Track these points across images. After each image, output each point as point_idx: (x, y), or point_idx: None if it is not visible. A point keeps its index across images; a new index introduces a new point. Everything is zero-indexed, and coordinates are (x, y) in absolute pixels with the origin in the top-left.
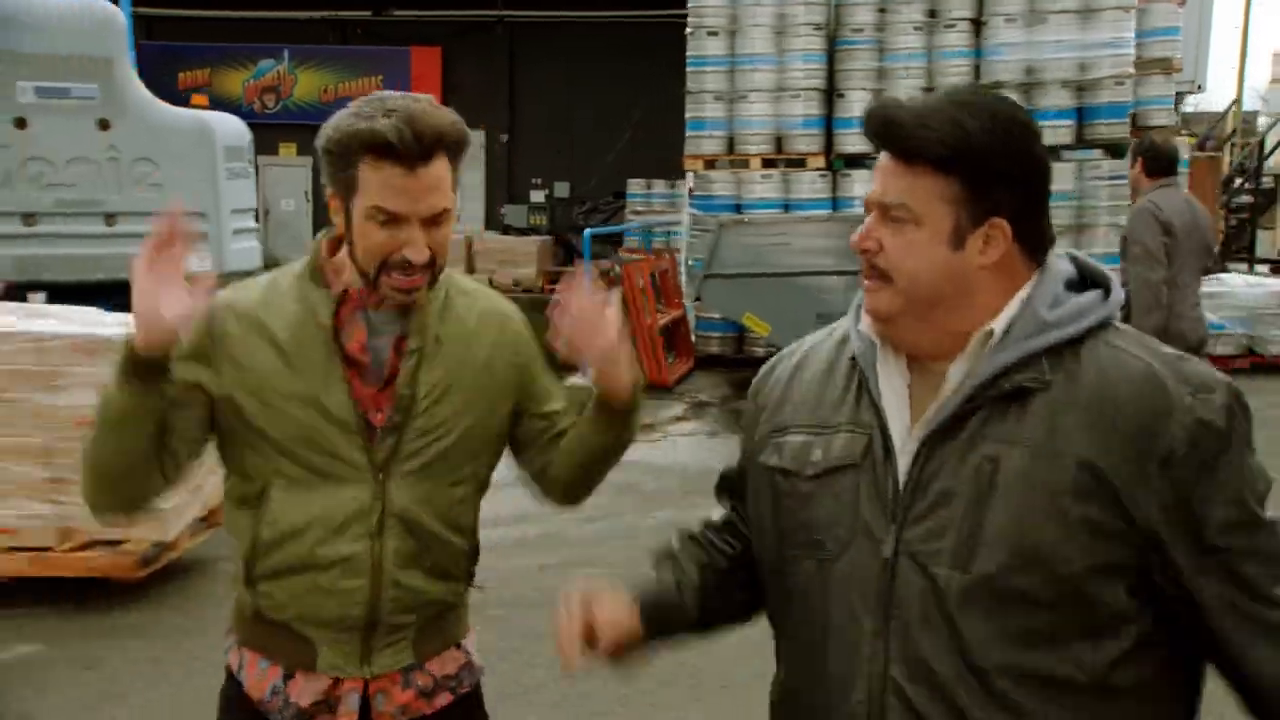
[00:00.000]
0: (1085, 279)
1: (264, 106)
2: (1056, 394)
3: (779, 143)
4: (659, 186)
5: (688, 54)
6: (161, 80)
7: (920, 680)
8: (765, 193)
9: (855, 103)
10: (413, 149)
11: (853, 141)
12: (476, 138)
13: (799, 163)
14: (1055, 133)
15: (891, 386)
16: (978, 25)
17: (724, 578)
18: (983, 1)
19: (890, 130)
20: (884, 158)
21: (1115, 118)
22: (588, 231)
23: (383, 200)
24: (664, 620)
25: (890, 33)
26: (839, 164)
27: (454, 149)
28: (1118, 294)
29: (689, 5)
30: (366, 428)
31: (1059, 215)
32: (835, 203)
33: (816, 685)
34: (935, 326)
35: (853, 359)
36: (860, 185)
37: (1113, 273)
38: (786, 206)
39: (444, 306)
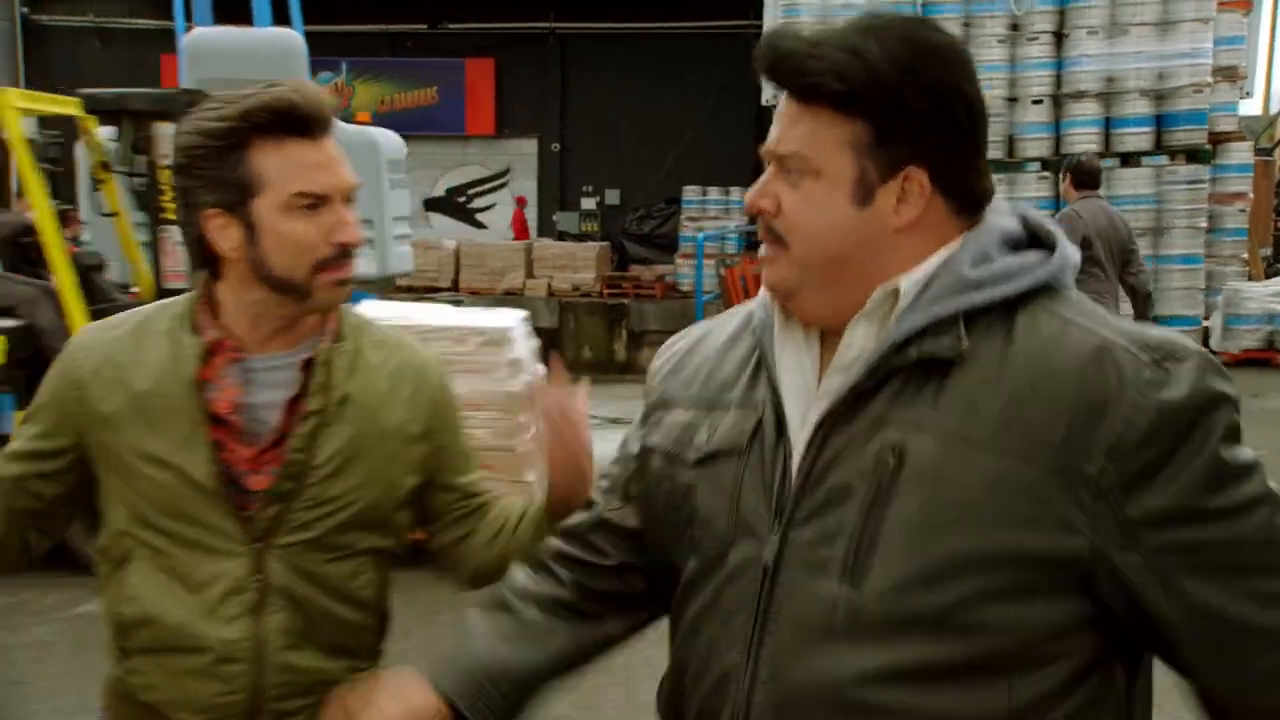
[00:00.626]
0: (1035, 240)
1: None
2: (981, 370)
3: None
4: (714, 193)
5: None
6: None
7: None
8: None
9: None
10: (317, 113)
11: None
12: (529, 146)
13: None
14: (1135, 139)
15: (794, 359)
16: (1059, 37)
17: (586, 600)
18: (1064, 15)
19: (778, 62)
20: (783, 100)
21: (1193, 124)
22: (701, 235)
23: (304, 183)
24: (492, 686)
25: (975, 45)
26: None
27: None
28: (1065, 254)
29: (778, 17)
30: (240, 493)
31: (1138, 219)
32: None
33: (688, 703)
34: (843, 297)
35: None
36: None
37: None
38: None
39: (354, 360)
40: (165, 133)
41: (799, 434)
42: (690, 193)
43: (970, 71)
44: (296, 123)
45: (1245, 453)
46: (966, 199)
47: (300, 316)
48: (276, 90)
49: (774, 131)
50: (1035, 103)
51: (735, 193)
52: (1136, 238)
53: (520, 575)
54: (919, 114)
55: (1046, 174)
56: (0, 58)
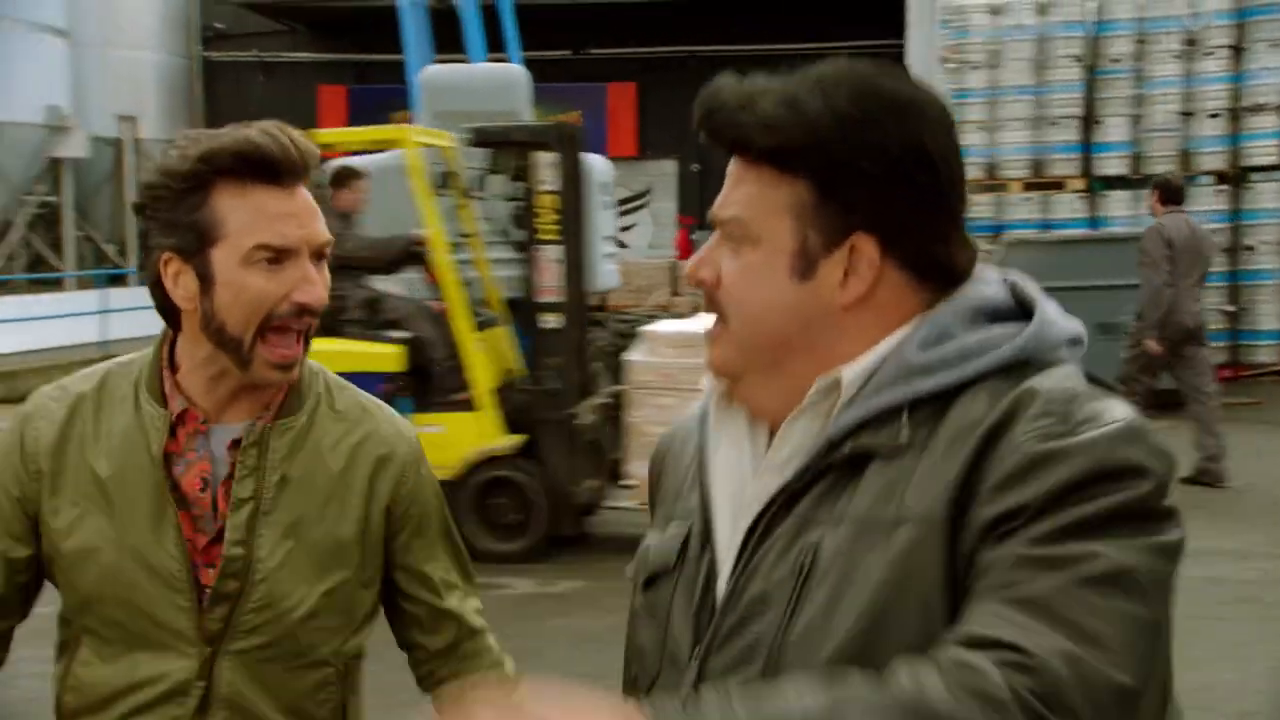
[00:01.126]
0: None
1: None
2: (909, 456)
3: (1038, 167)
4: None
5: (948, 87)
6: (376, 119)
7: None
8: (1025, 214)
9: (1113, 128)
10: (292, 158)
11: (1111, 164)
12: (669, 167)
13: (1057, 185)
14: None
15: (734, 457)
16: (1237, 51)
17: None
18: (1243, 28)
19: (709, 115)
20: (732, 160)
21: None
22: None
23: (267, 234)
24: None
25: (1148, 61)
26: (1098, 186)
27: (310, 176)
28: (1043, 324)
29: (952, 40)
30: (196, 587)
31: None
32: (1094, 222)
33: None
34: (790, 385)
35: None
36: (1118, 206)
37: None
38: (1046, 227)
39: (300, 437)
40: (544, 161)
41: (729, 544)
42: None
43: (940, 127)
44: (263, 168)
45: (1130, 559)
46: (930, 271)
47: (256, 385)
48: (244, 132)
49: (721, 194)
50: (1211, 116)
51: None
52: None
53: None
54: (866, 175)
55: (1224, 187)
56: (181, 93)
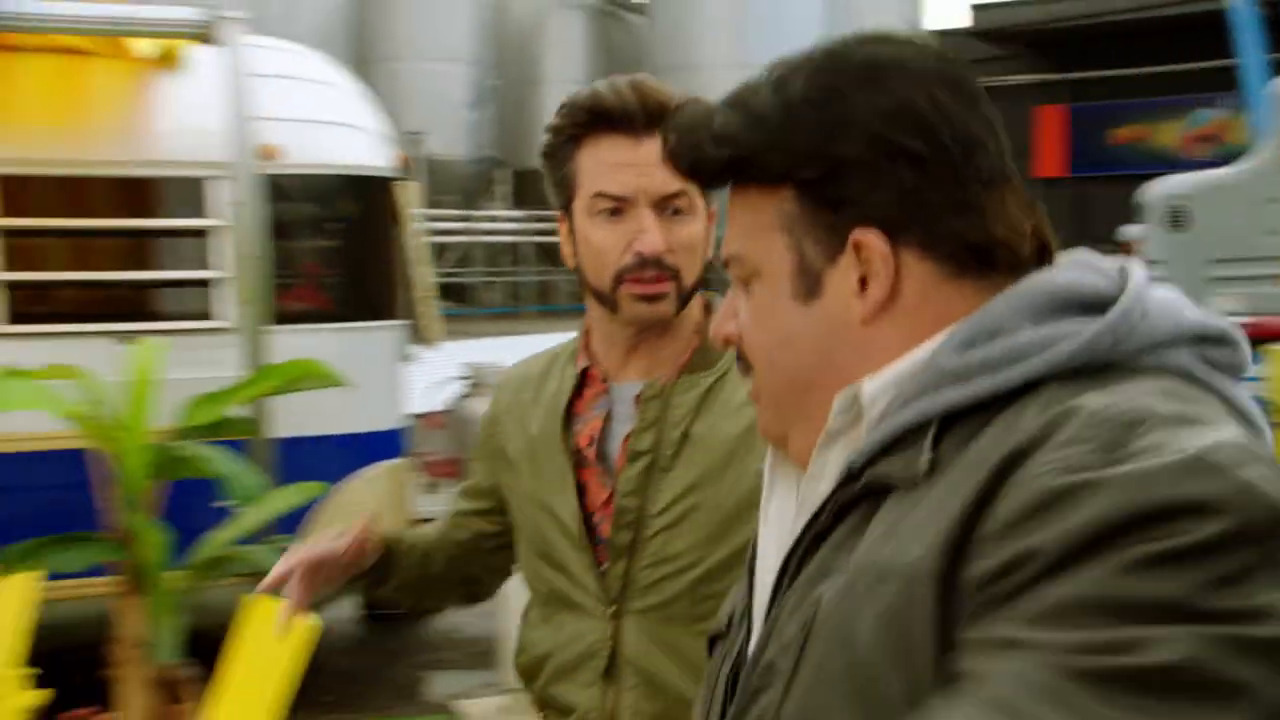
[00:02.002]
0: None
1: (1195, 154)
2: (924, 489)
3: None
4: None
5: None
6: (1095, 137)
7: None
8: None
9: None
10: (634, 110)
11: None
12: None
13: None
14: None
15: (781, 507)
16: None
17: None
18: None
19: (671, 142)
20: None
21: None
22: None
23: (605, 182)
24: None
25: None
26: None
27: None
28: (1122, 316)
29: None
30: (599, 544)
31: None
32: None
33: None
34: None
35: None
36: None
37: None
38: None
39: (707, 395)
40: None
41: (761, 600)
42: None
43: (937, 83)
44: (607, 119)
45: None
46: (963, 254)
47: (645, 339)
48: (596, 85)
49: None
50: None
51: None
52: None
53: None
54: (842, 159)
55: None
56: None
